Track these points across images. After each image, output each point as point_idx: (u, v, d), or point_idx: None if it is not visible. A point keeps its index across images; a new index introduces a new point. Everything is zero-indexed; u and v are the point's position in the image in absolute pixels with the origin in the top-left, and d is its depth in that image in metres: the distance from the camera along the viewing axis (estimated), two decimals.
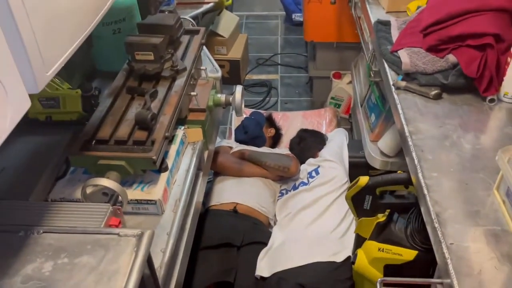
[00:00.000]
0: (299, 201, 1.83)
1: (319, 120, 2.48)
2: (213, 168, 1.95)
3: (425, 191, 0.93)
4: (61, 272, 0.81)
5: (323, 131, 2.42)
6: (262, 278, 1.58)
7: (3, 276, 0.80)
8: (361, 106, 2.07)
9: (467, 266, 0.78)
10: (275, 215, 1.90)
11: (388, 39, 1.46)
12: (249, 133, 2.14)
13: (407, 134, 1.09)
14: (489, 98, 1.17)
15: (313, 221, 1.72)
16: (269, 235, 1.76)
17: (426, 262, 1.28)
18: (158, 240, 1.15)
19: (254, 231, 1.74)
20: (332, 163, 1.92)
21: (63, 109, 1.40)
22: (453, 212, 0.88)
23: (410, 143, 1.06)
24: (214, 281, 1.54)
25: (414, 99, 1.20)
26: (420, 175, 0.97)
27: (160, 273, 1.06)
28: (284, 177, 1.98)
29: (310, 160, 2.00)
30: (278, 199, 1.95)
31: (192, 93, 1.51)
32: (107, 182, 1.10)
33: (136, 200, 1.20)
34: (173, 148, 1.37)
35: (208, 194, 1.92)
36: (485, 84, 1.15)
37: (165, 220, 1.22)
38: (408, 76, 1.25)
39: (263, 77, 3.14)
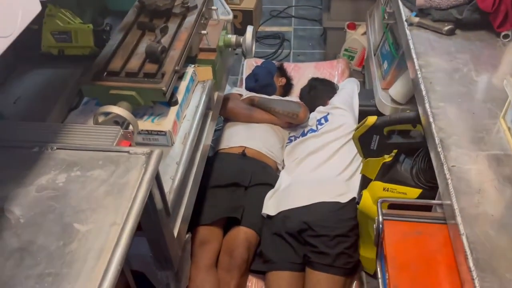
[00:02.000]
0: (307, 146, 1.85)
1: (331, 71, 2.45)
2: (222, 113, 1.97)
3: (431, 119, 0.93)
4: (74, 183, 0.85)
5: (335, 82, 2.40)
6: (268, 216, 1.63)
7: (19, 185, 0.84)
8: (374, 55, 2.04)
9: (467, 186, 0.79)
10: (283, 160, 1.93)
11: None
12: (260, 81, 2.13)
13: (416, 67, 1.08)
14: (503, 33, 1.14)
15: (320, 165, 1.74)
16: (276, 178, 1.80)
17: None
18: (167, 169, 1.19)
19: (262, 173, 1.77)
20: (342, 111, 1.92)
21: (75, 43, 1.42)
22: (457, 138, 0.88)
23: (419, 75, 1.05)
24: (222, 216, 1.59)
25: (426, 35, 1.19)
26: (427, 105, 0.97)
27: (170, 197, 1.10)
28: (293, 124, 1.99)
29: (320, 108, 2.00)
30: (286, 145, 1.97)
31: (203, 32, 1.50)
32: (118, 110, 1.12)
33: (147, 130, 1.23)
34: (183, 84, 1.38)
35: (217, 139, 1.95)
36: (500, 19, 1.12)
37: (174, 151, 1.25)
38: (422, 12, 1.23)
39: (276, 29, 3.09)
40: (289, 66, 2.48)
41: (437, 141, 0.88)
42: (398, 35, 1.79)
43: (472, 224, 0.72)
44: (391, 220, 0.86)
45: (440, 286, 0.74)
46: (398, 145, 1.36)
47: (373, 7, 2.30)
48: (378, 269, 0.83)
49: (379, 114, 1.92)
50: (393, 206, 1.39)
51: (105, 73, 1.26)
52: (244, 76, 2.45)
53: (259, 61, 2.48)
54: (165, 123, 1.24)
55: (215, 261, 1.55)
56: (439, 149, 0.86)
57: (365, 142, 1.39)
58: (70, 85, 1.34)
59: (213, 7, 1.65)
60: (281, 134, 1.96)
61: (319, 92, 2.09)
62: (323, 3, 2.90)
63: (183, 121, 1.34)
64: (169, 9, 1.44)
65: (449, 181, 0.80)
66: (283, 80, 2.22)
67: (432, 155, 0.93)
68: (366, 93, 2.06)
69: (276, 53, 2.93)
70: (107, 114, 1.16)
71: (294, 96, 2.26)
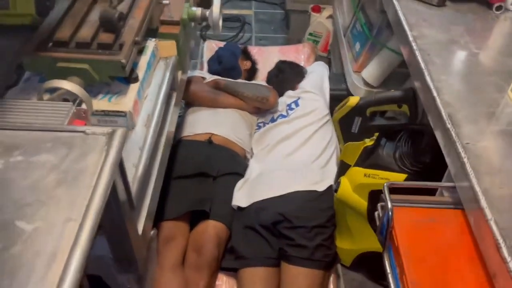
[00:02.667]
0: (277, 133, 1.73)
1: (296, 55, 2.34)
2: (185, 97, 1.80)
3: (435, 94, 0.83)
4: (15, 170, 0.67)
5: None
6: (239, 208, 1.49)
7: None
8: (344, 36, 1.95)
9: (487, 165, 0.70)
10: (251, 148, 1.80)
11: None
12: (224, 63, 1.98)
13: (411, 39, 0.98)
14: (496, 5, 1.07)
15: (292, 152, 1.62)
16: (245, 166, 1.66)
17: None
18: (129, 155, 1.02)
19: (230, 162, 1.63)
20: (313, 95, 1.81)
21: (13, 11, 1.18)
22: (466, 113, 0.79)
23: (414, 47, 0.95)
24: (188, 210, 1.43)
25: (415, 6, 1.09)
26: (427, 78, 0.87)
27: (133, 188, 0.94)
28: (262, 110, 1.85)
29: (289, 92, 1.89)
30: (255, 132, 1.83)
31: (164, 2, 1.33)
32: (68, 85, 0.94)
33: (103, 111, 1.05)
34: (144, 60, 1.21)
35: (180, 125, 1.78)
36: None
37: (136, 134, 1.08)
38: None
39: (235, 12, 2.94)
40: (253, 50, 2.34)
41: (445, 116, 0.78)
42: (371, 14, 1.71)
43: (500, 208, 0.63)
44: (401, 207, 0.75)
45: (463, 280, 0.65)
46: (382, 127, 1.27)
47: None
48: (386, 263, 0.73)
49: None
50: (376, 193, 1.30)
51: (51, 43, 1.06)
52: (205, 60, 2.29)
53: (220, 44, 2.32)
54: (124, 103, 1.07)
55: (182, 260, 1.39)
56: (448, 125, 0.77)
57: (346, 124, 1.30)
58: (7, 59, 1.12)
59: None
60: (249, 120, 1.83)
61: (288, 75, 1.97)
62: None
63: (145, 102, 1.17)
64: None
65: (465, 160, 0.70)
66: (248, 64, 2.08)
67: (438, 133, 0.83)
68: (336, 77, 1.97)
69: (237, 37, 2.78)
70: (53, 91, 0.97)
71: (260, 81, 2.13)
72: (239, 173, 1.61)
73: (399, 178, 1.23)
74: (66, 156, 0.69)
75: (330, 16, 2.41)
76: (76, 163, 0.69)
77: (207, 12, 1.45)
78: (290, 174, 1.52)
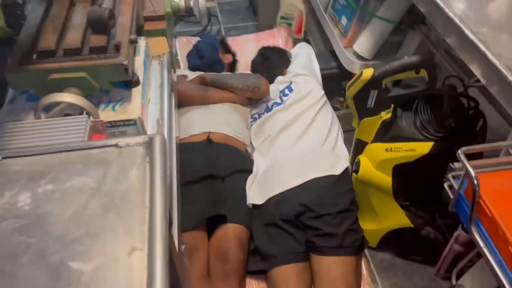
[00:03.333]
0: (276, 122, 1.64)
1: (273, 41, 2.25)
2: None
3: (482, 48, 0.77)
4: (48, 202, 0.55)
5: None
6: (256, 206, 1.40)
7: None
8: (326, 12, 1.88)
9: None
10: (251, 142, 1.71)
11: None
12: (206, 58, 1.87)
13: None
14: None
15: (298, 139, 1.54)
16: (251, 161, 1.57)
17: (443, 152, 1.18)
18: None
19: (235, 159, 1.53)
20: (305, 77, 1.74)
21: None
22: None
23: (439, 1, 0.89)
24: (205, 216, 1.32)
25: None
26: (467, 31, 0.81)
27: None
28: (254, 100, 1.76)
29: (280, 78, 1.80)
30: (251, 125, 1.74)
31: None
32: (69, 97, 0.81)
33: (109, 122, 0.93)
34: (139, 60, 1.09)
35: None
36: None
37: None
38: None
39: None
40: (227, 41, 2.24)
41: (504, 71, 0.73)
42: None
43: None
44: (485, 172, 0.69)
45: None
46: (400, 97, 1.21)
47: None
48: (477, 237, 0.66)
49: (343, 76, 1.79)
50: (401, 166, 1.25)
51: (36, 54, 0.93)
52: (180, 58, 2.16)
53: (192, 40, 2.20)
54: (131, 109, 0.95)
55: (207, 271, 1.29)
56: (511, 78, 0.71)
57: (361, 100, 1.23)
58: None
59: None
60: (243, 112, 1.73)
61: (274, 61, 1.88)
62: None
63: (148, 107, 1.06)
64: None
65: None
66: (229, 57, 1.98)
67: (494, 89, 0.77)
68: (323, 56, 1.91)
69: (205, 31, 2.66)
70: (49, 107, 0.84)
71: (245, 71, 2.03)
72: (247, 169, 1.51)
73: (425, 146, 1.18)
74: (105, 176, 0.59)
75: None
76: (119, 183, 0.58)
77: (192, 2, 1.34)
78: (301, 162, 1.44)
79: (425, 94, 1.22)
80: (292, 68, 1.82)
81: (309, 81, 1.73)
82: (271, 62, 1.87)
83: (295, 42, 2.35)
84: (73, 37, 0.96)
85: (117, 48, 0.94)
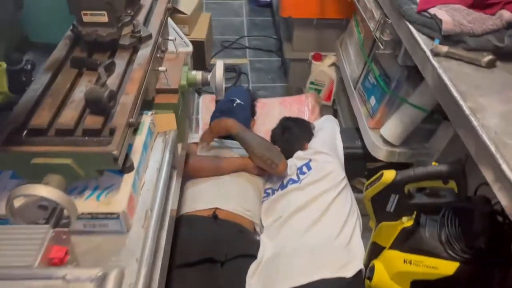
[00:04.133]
0: (290, 202, 1.52)
1: (300, 107, 2.18)
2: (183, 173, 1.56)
3: None
4: None
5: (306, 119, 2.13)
6: None
7: None
8: (355, 89, 1.79)
9: None
10: (260, 219, 1.59)
11: None
12: (240, 101, 1.76)
13: (467, 112, 0.80)
14: None
15: (310, 227, 1.41)
16: (257, 244, 1.44)
17: (470, 277, 1.02)
18: (124, 271, 0.80)
19: (239, 241, 1.41)
20: (325, 156, 1.63)
21: None
22: None
23: (475, 123, 0.77)
24: None
25: (461, 68, 0.92)
26: (503, 166, 0.69)
27: None
28: (267, 172, 1.64)
29: (299, 153, 1.70)
30: (263, 201, 1.63)
31: (161, 69, 1.16)
32: (44, 191, 0.73)
33: (90, 214, 0.85)
34: (139, 140, 1.02)
35: (179, 200, 1.57)
36: None
37: (132, 240, 0.87)
38: (449, 39, 0.97)
39: (230, 61, 2.79)
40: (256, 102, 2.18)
41: None
42: (387, 66, 1.55)
43: None
44: None
45: None
46: (423, 206, 1.08)
47: (344, 36, 2.07)
48: None
49: (366, 157, 1.66)
50: (420, 283, 1.10)
51: (26, 131, 0.86)
52: (201, 116, 2.11)
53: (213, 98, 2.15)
54: (116, 201, 0.87)
55: None
56: None
57: (379, 203, 1.10)
58: None
59: (170, 37, 1.32)
60: (257, 185, 1.62)
61: (295, 134, 1.78)
62: (282, 32, 2.65)
63: (142, 192, 0.97)
64: (115, 40, 1.09)
65: None
66: (253, 123, 1.90)
67: None
68: (348, 133, 1.80)
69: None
70: (28, 195, 0.77)
71: None
72: (251, 255, 1.39)
73: (450, 267, 1.03)
74: None
75: (333, 65, 2.27)
76: None
77: (209, 76, 1.28)
78: (311, 256, 1.31)
79: (454, 203, 1.08)
80: (314, 143, 1.72)
81: (330, 160, 1.61)
82: (291, 135, 1.78)
83: (323, 109, 2.26)
84: (68, 116, 0.89)
85: (112, 132, 0.87)
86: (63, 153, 0.82)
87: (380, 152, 1.52)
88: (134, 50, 1.12)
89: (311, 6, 2.19)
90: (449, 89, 0.87)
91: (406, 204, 1.07)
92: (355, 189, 1.82)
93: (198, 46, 2.58)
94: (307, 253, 1.32)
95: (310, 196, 1.50)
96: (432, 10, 1.01)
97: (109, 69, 1.01)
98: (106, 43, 1.07)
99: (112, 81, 0.99)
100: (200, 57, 2.58)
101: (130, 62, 1.09)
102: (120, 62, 1.06)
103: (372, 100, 1.62)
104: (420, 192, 1.08)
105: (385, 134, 1.53)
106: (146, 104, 1.13)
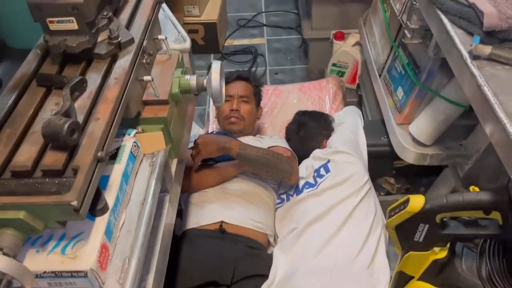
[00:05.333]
0: (305, 211, 1.37)
1: (320, 94, 1.98)
2: (185, 190, 1.40)
3: None
4: None
5: (327, 108, 1.93)
6: None
7: None
8: (380, 76, 1.57)
9: None
10: (274, 227, 1.44)
11: None
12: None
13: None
14: None
15: (327, 242, 1.25)
16: (269, 261, 1.31)
17: None
18: None
19: (249, 259, 1.28)
20: (346, 156, 1.45)
21: None
22: None
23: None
24: None
25: (508, 76, 0.72)
26: None
27: None
28: None
29: (316, 153, 1.52)
30: (277, 208, 1.48)
31: (146, 78, 1.00)
32: None
33: (53, 272, 0.72)
34: (118, 170, 0.87)
35: (181, 215, 1.44)
36: None
37: None
38: (492, 37, 0.76)
39: (246, 42, 2.59)
40: (268, 90, 2.00)
41: None
42: (416, 54, 1.33)
43: None
44: None
45: None
46: (459, 237, 0.89)
47: (368, 13, 1.83)
48: None
49: (393, 156, 1.46)
50: None
51: None
52: (211, 109, 1.95)
53: None
54: (84, 254, 0.73)
55: None
56: None
57: (406, 232, 0.92)
58: None
59: (160, 36, 1.14)
60: (268, 190, 1.47)
61: (312, 130, 1.60)
62: (300, 8, 2.42)
63: (120, 234, 0.84)
64: (88, 49, 0.93)
65: None
66: (260, 111, 1.73)
67: None
68: (373, 127, 1.60)
69: (250, 72, 2.43)
70: None
71: (276, 134, 1.78)
72: (261, 274, 1.25)
73: None
74: None
75: (357, 44, 2.04)
76: None
77: (205, 80, 1.10)
78: (327, 280, 1.16)
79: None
80: (333, 141, 1.53)
81: (352, 161, 1.43)
82: (308, 132, 1.59)
83: (347, 94, 2.05)
84: (26, 153, 0.76)
85: (75, 172, 0.73)
86: (15, 205, 0.69)
87: (408, 154, 1.33)
88: (113, 59, 0.96)
89: None
90: (492, 106, 0.67)
91: (437, 234, 0.89)
92: (381, 190, 1.64)
93: (210, 28, 2.40)
94: (324, 275, 1.18)
95: (328, 204, 1.34)
96: None
97: (78, 88, 0.86)
98: (77, 54, 0.92)
99: (82, 103, 0.84)
100: (212, 40, 2.40)
101: (107, 75, 0.93)
102: (94, 76, 0.91)
103: (400, 92, 1.41)
104: (455, 219, 0.90)
105: (415, 132, 1.33)
106: (130, 121, 0.99)
